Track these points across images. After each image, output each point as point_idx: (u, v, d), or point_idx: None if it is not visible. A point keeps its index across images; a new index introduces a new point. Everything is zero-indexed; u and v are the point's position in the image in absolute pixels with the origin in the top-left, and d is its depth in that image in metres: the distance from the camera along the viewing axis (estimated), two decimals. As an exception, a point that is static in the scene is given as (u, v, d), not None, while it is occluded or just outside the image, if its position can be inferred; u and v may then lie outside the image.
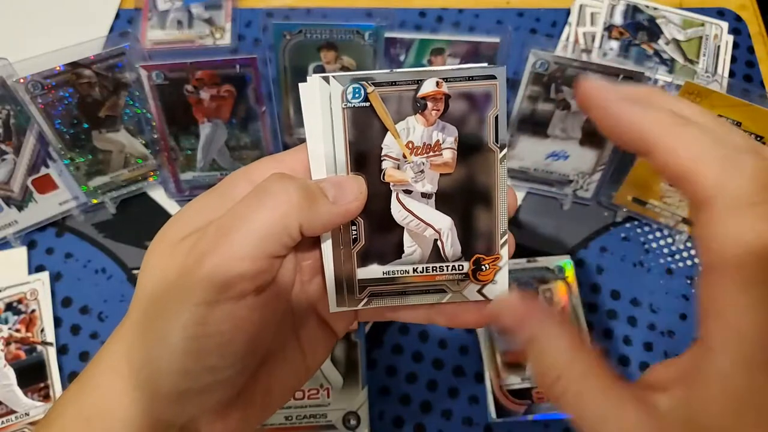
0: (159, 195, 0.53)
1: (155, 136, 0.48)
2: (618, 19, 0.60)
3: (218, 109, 0.47)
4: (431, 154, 0.26)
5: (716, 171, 0.19)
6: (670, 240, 0.52)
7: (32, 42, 0.58)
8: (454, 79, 0.26)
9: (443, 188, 0.27)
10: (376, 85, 0.26)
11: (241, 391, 0.25)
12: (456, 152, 0.26)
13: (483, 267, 0.27)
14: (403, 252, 0.27)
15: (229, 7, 0.59)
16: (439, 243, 0.27)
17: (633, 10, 0.60)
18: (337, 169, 0.26)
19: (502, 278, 0.27)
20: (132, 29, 0.58)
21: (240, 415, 0.26)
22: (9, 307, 0.47)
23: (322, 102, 0.26)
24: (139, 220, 0.52)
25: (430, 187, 0.27)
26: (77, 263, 0.50)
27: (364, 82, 0.26)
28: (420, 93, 0.26)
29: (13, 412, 0.44)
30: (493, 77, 0.26)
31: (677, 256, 0.51)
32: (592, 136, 0.50)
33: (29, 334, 0.46)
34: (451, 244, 0.27)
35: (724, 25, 0.60)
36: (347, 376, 0.45)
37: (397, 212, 0.27)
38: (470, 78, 0.26)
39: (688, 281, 0.50)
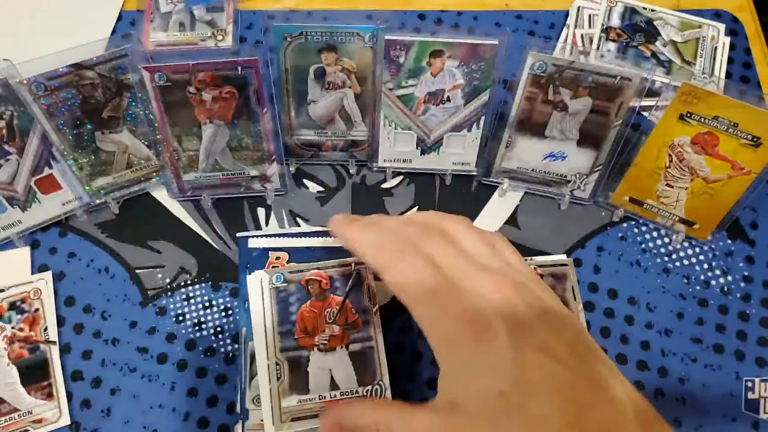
0: (162, 195, 0.53)
1: (158, 137, 0.49)
2: (615, 21, 0.61)
3: (220, 110, 0.48)
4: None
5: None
6: (666, 240, 0.53)
7: (35, 43, 0.58)
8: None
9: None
10: None
11: None
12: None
13: None
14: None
15: (230, 10, 0.60)
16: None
17: (630, 12, 0.61)
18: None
19: None
20: (134, 31, 0.58)
21: None
22: (12, 306, 0.47)
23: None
24: (141, 220, 0.52)
25: None
26: (80, 263, 0.50)
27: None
28: None
29: (16, 410, 0.44)
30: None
31: (674, 256, 0.52)
32: (589, 137, 0.50)
33: (32, 333, 0.47)
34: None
35: (721, 26, 0.61)
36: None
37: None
38: None
39: (685, 280, 0.51)
